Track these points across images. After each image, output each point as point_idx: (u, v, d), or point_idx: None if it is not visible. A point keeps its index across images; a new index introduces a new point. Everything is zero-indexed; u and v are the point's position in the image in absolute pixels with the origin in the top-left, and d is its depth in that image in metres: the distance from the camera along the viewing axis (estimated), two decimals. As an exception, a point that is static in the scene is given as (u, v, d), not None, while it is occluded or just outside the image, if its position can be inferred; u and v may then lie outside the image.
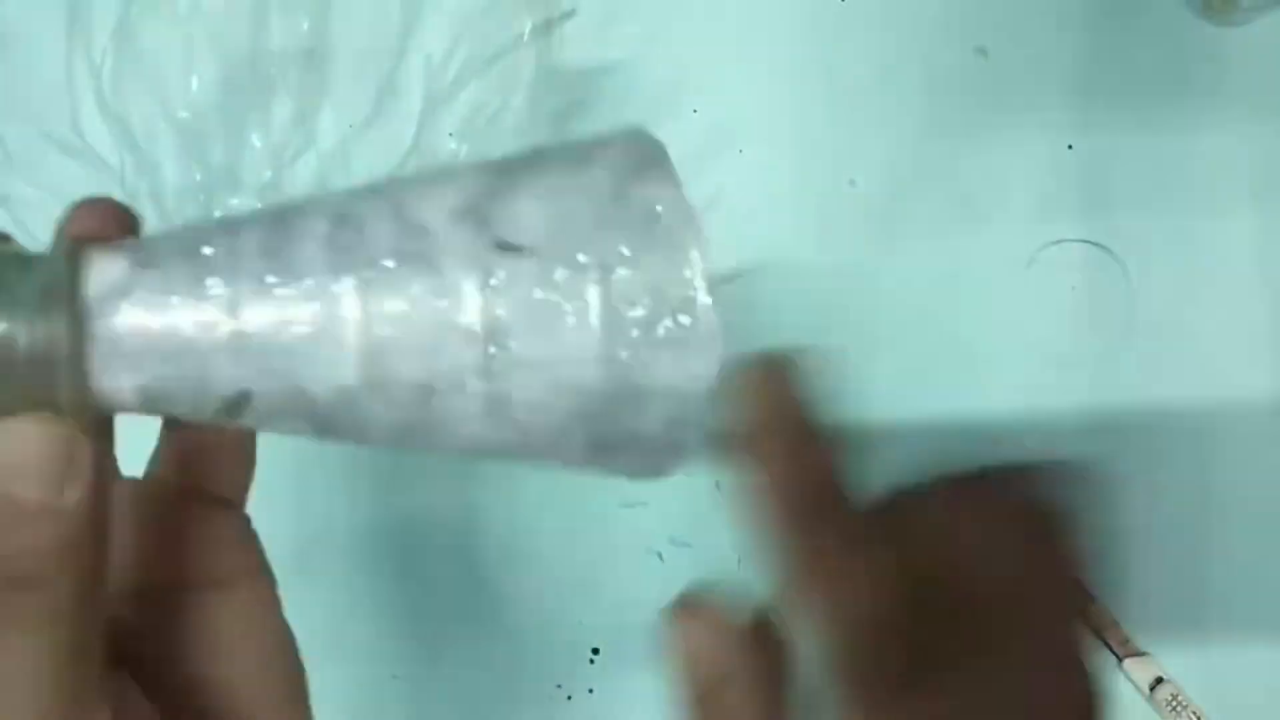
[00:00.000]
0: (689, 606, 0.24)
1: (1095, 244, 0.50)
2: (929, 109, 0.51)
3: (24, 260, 0.20)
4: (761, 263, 0.49)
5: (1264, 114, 0.51)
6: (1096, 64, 0.51)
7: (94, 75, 0.49)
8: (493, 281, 0.21)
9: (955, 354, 0.49)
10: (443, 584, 0.47)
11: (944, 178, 0.50)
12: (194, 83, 0.49)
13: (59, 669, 0.20)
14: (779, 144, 0.50)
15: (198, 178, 0.48)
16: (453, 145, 0.49)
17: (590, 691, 0.47)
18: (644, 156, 0.24)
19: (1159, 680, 0.46)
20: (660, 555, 0.47)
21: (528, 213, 0.21)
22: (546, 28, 0.49)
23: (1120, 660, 0.46)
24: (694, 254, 0.22)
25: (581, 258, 0.21)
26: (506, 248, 0.21)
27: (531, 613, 0.47)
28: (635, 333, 0.21)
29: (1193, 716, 0.45)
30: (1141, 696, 0.46)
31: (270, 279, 0.21)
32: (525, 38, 0.49)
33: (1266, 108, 0.51)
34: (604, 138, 0.24)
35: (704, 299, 0.22)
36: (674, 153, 0.25)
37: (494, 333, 0.21)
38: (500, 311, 0.21)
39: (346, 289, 0.20)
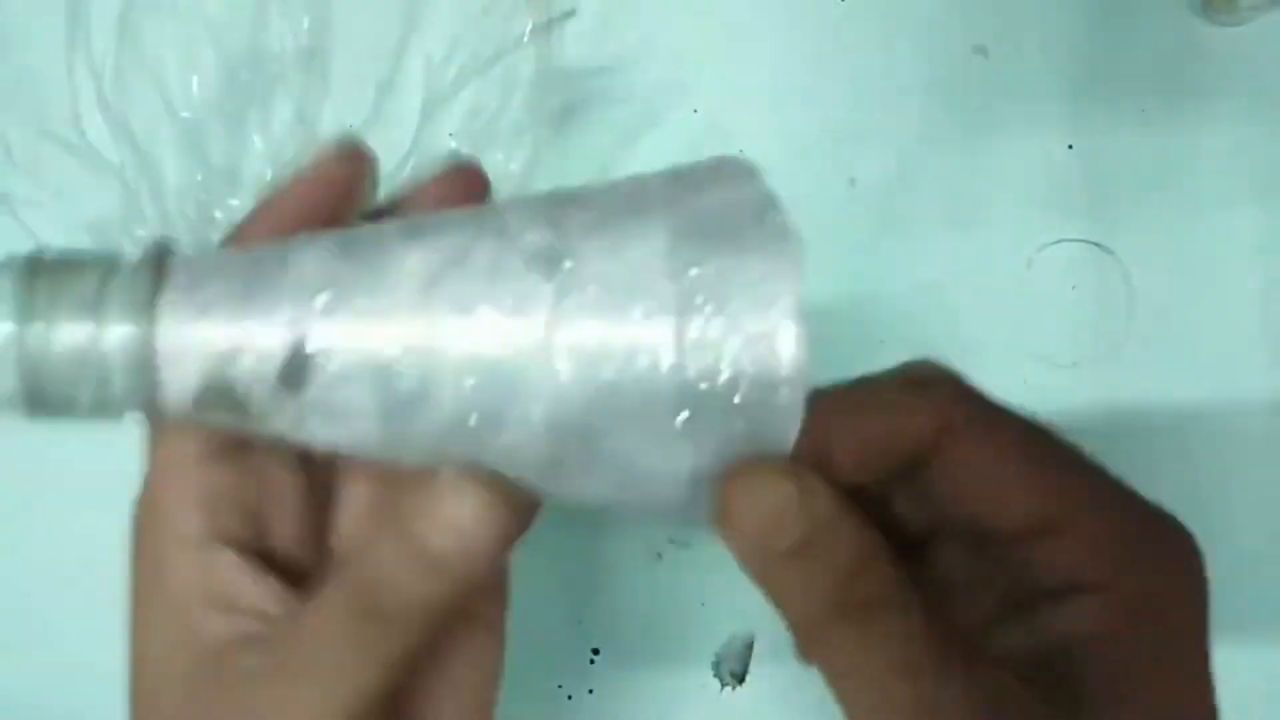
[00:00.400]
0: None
1: (1095, 244, 0.50)
2: (929, 109, 0.51)
3: (110, 266, 0.21)
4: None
5: (1264, 114, 0.51)
6: (1096, 64, 0.51)
7: (94, 75, 0.49)
8: (558, 316, 0.21)
9: (955, 354, 0.49)
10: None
11: (944, 177, 0.50)
12: (194, 83, 0.49)
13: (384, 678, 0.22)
14: (779, 144, 0.50)
15: (198, 178, 0.48)
16: (453, 145, 0.49)
17: (590, 691, 0.47)
18: (758, 200, 0.26)
19: (1159, 680, 0.46)
20: (660, 555, 0.47)
21: (600, 259, 0.22)
22: (546, 28, 0.49)
23: (1120, 660, 0.46)
24: (786, 306, 0.22)
25: (667, 299, 0.21)
26: (567, 284, 0.21)
27: (531, 613, 0.47)
28: (713, 379, 0.21)
29: (1192, 716, 0.45)
30: (1141, 696, 0.46)
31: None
32: (525, 38, 0.49)
33: (1266, 107, 0.51)
34: (706, 168, 0.26)
35: (788, 357, 0.22)
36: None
37: (562, 363, 0.21)
38: (571, 341, 0.21)
39: (449, 311, 0.21)
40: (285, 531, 0.25)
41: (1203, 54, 0.51)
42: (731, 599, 0.47)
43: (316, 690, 0.22)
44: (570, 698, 0.47)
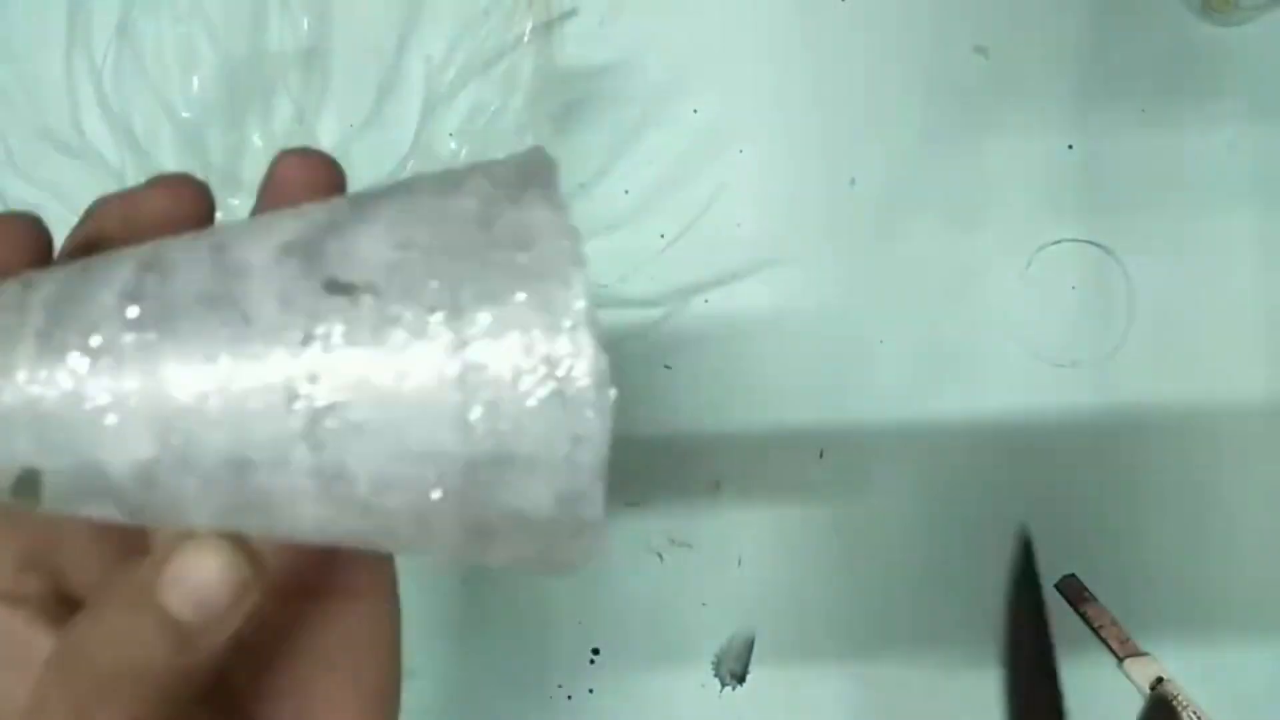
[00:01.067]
0: None
1: (1095, 244, 0.50)
2: (929, 109, 0.51)
3: None
4: (761, 263, 0.49)
5: (1264, 114, 0.51)
6: (1096, 64, 0.51)
7: (94, 75, 0.49)
8: (319, 330, 0.17)
9: (955, 354, 0.49)
10: (443, 584, 0.47)
11: (944, 178, 0.50)
12: (194, 83, 0.49)
13: None
14: (779, 144, 0.50)
15: (198, 177, 0.48)
16: (453, 145, 0.49)
17: (590, 691, 0.47)
18: (524, 176, 0.18)
19: (1159, 680, 0.46)
20: (660, 555, 0.47)
21: (369, 246, 0.17)
22: (546, 28, 0.49)
23: (1120, 660, 0.46)
24: (573, 291, 0.17)
25: (431, 297, 0.17)
26: (337, 288, 0.17)
27: (531, 613, 0.47)
28: (500, 388, 0.16)
29: (1193, 716, 0.46)
30: (1141, 696, 0.46)
31: (56, 336, 0.17)
32: (525, 38, 0.49)
33: (1266, 108, 0.51)
34: (489, 161, 0.19)
35: (586, 345, 0.17)
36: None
37: (318, 393, 0.17)
38: (324, 366, 0.17)
39: (135, 345, 0.17)
40: (85, 576, 0.23)
41: (1203, 54, 0.51)
42: (731, 599, 0.47)
43: None
44: (570, 698, 0.47)
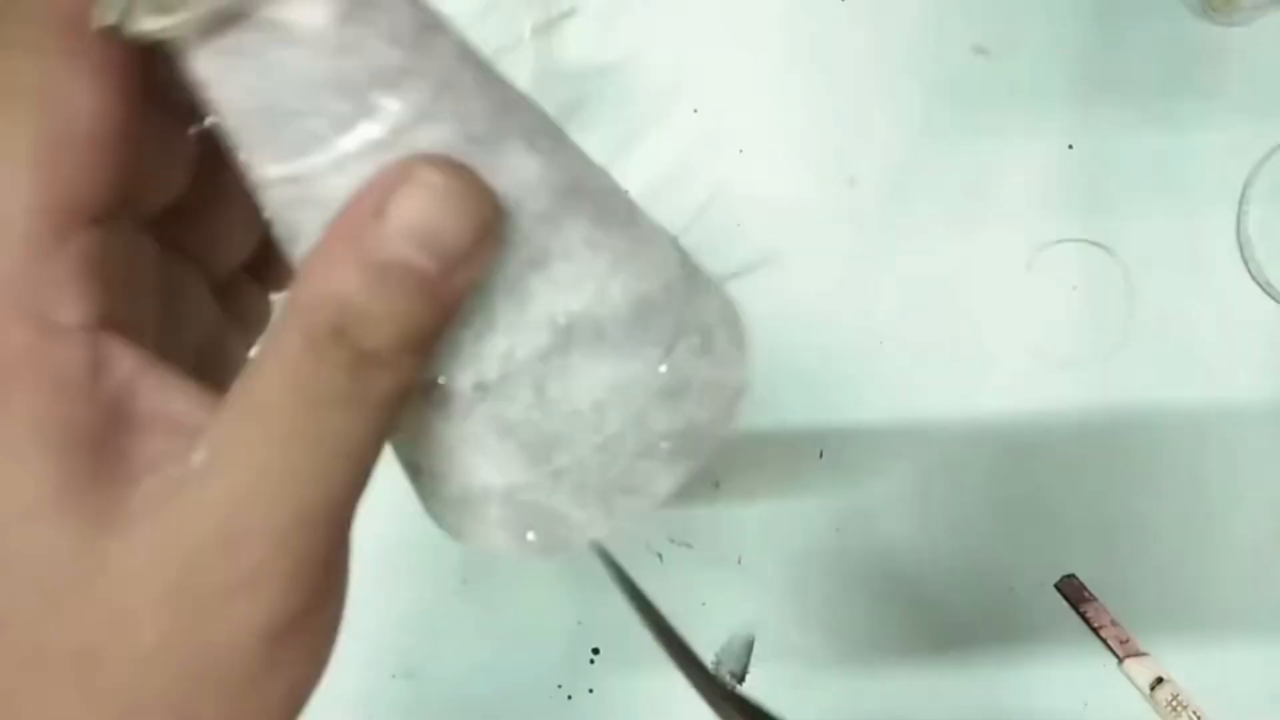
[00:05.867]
0: None
1: (1095, 244, 0.50)
2: (929, 109, 0.51)
3: None
4: (762, 263, 0.49)
5: (1264, 114, 0.51)
6: (1096, 64, 0.51)
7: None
8: None
9: (955, 354, 0.49)
10: (442, 584, 0.47)
11: (944, 178, 0.50)
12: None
13: (352, 463, 0.17)
14: (779, 144, 0.50)
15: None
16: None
17: (590, 691, 0.47)
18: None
19: (1159, 680, 0.46)
20: (660, 555, 0.47)
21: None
22: (546, 28, 0.49)
23: (1120, 660, 0.46)
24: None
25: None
26: None
27: (531, 613, 0.47)
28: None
29: (1193, 716, 0.46)
30: (1141, 696, 0.46)
31: None
32: (525, 38, 0.49)
33: (1266, 108, 0.51)
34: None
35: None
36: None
37: None
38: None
39: None
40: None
41: (1203, 54, 0.51)
42: (731, 599, 0.47)
43: (302, 464, 0.17)
44: (570, 698, 0.47)
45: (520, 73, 0.23)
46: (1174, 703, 0.46)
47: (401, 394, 0.17)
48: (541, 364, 0.19)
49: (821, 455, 0.48)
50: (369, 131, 0.16)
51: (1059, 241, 0.50)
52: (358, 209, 0.16)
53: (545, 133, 0.19)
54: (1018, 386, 0.49)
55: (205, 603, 0.16)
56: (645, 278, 0.20)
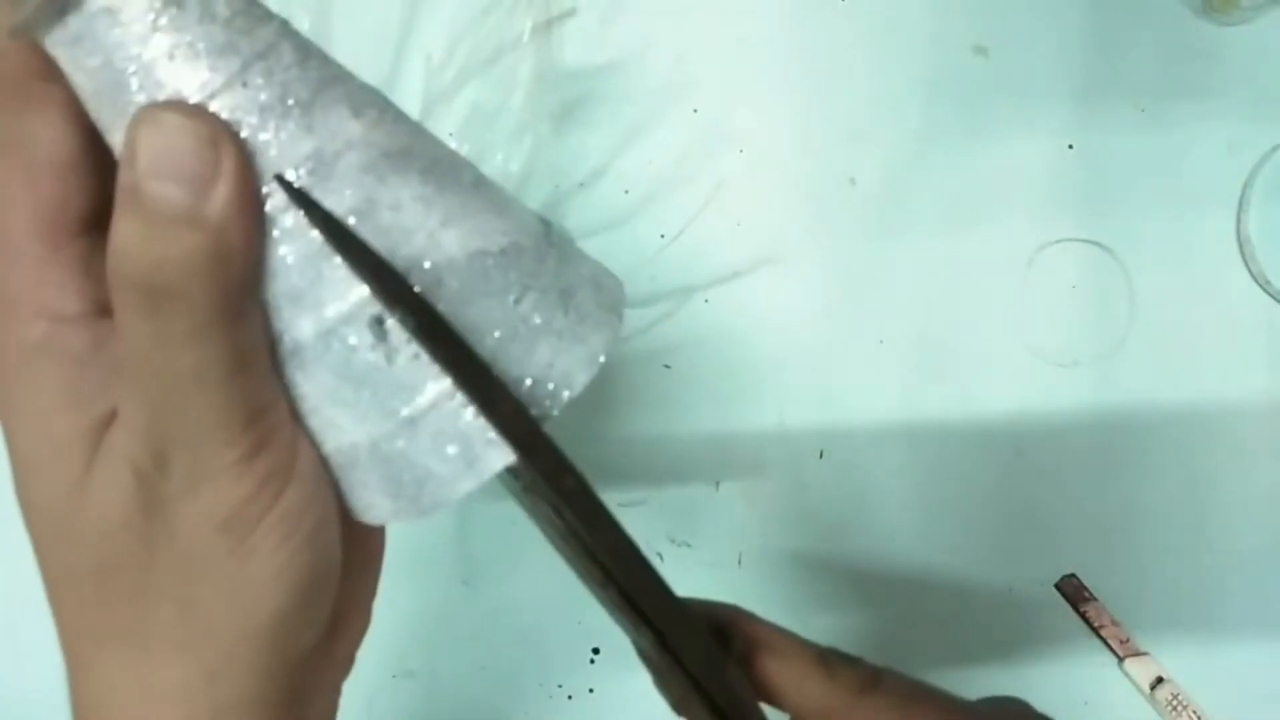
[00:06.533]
0: None
1: (1095, 244, 0.50)
2: (929, 109, 0.51)
3: None
4: (761, 262, 0.49)
5: (1264, 114, 0.51)
6: (1096, 64, 0.51)
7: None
8: None
9: (955, 354, 0.49)
10: (443, 584, 0.47)
11: (944, 178, 0.50)
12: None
13: (218, 384, 0.19)
14: (779, 144, 0.50)
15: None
16: (453, 145, 0.49)
17: (590, 691, 0.47)
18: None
19: (1159, 680, 0.46)
20: (660, 555, 0.47)
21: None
22: (546, 28, 0.49)
23: (1120, 660, 0.46)
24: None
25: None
26: None
27: (531, 613, 0.47)
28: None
29: (1193, 716, 0.46)
30: (1141, 696, 0.46)
31: None
32: (525, 38, 0.49)
33: (1266, 108, 0.51)
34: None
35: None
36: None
37: None
38: None
39: None
40: None
41: (1203, 54, 0.51)
42: (731, 599, 0.47)
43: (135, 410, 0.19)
44: (570, 698, 0.47)
45: (520, 73, 0.23)
46: (1174, 702, 0.46)
47: (216, 323, 0.19)
48: (377, 306, 0.20)
49: (821, 455, 0.48)
50: (187, 98, 0.19)
51: (1059, 241, 0.50)
52: (123, 163, 0.18)
53: (376, 106, 0.21)
54: (1018, 386, 0.49)
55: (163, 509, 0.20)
56: (486, 236, 0.21)
